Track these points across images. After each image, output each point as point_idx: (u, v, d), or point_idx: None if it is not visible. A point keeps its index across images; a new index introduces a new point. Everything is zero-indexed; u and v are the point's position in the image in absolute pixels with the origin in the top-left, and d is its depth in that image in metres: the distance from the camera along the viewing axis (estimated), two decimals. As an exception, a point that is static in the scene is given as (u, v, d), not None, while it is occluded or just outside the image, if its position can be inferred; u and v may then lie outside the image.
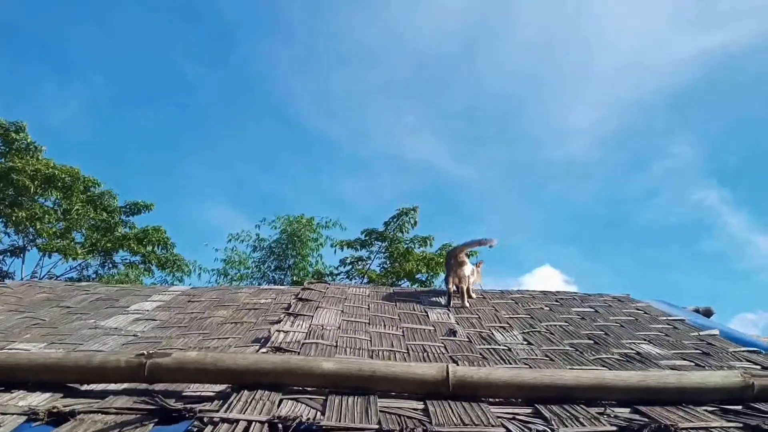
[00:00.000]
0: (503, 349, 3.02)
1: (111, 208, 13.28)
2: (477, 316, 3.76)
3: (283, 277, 13.01)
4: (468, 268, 4.14)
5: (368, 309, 3.69)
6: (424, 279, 12.89)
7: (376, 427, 1.82)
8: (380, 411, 1.98)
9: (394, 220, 12.85)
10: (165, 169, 22.35)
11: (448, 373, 2.11)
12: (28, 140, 13.04)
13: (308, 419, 1.82)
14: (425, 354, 2.88)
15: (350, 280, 12.91)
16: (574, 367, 2.64)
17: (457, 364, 2.59)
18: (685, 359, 2.91)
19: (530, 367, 2.66)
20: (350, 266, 13.18)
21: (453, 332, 3.30)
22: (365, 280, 12.69)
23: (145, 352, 2.18)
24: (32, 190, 11.93)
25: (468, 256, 4.26)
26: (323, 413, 1.93)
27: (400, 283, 12.47)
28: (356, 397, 2.07)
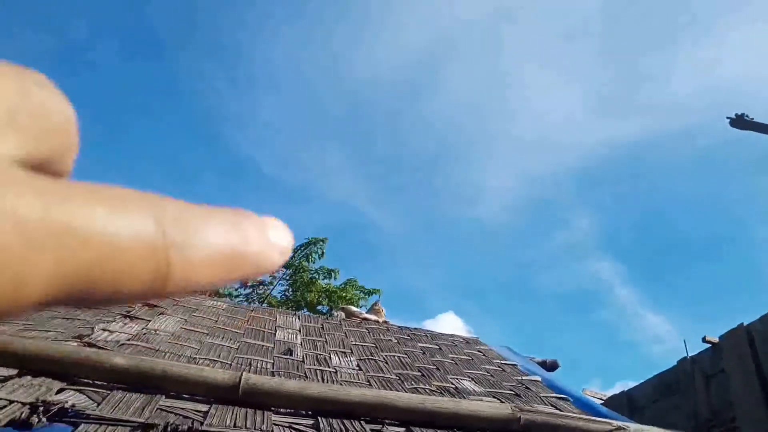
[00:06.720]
0: (330, 372, 3.13)
1: None
2: (324, 339, 3.86)
3: (178, 292, 12.55)
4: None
5: (215, 322, 3.71)
6: (325, 311, 12.88)
7: (142, 421, 1.87)
8: (160, 409, 2.02)
9: (302, 248, 12.85)
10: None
11: (240, 380, 2.19)
12: None
13: (73, 406, 1.83)
14: (249, 367, 2.94)
15: (249, 303, 12.66)
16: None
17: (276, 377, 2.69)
18: (495, 397, 3.12)
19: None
20: (251, 289, 12.97)
21: (290, 351, 3.38)
22: (264, 306, 12.49)
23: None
24: None
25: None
26: (99, 405, 1.96)
27: (299, 312, 12.37)
28: (141, 393, 2.10)
